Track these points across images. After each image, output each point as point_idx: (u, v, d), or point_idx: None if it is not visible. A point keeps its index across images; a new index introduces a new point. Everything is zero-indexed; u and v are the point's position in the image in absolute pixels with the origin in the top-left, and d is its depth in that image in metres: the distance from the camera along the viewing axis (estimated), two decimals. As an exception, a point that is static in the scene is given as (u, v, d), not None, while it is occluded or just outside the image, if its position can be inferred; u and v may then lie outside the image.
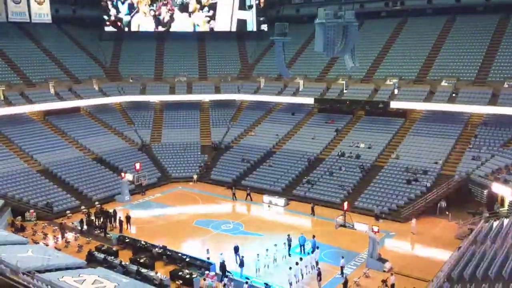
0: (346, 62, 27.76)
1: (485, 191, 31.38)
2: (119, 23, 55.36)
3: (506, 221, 26.08)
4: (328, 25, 24.76)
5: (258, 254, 24.48)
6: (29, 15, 47.99)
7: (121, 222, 30.76)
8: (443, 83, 42.13)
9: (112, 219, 31.52)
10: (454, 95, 40.21)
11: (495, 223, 26.31)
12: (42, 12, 48.97)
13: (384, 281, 22.14)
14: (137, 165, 39.30)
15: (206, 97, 52.31)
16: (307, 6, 55.05)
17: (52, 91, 46.19)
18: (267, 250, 25.15)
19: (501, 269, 19.33)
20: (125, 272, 22.91)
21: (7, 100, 42.38)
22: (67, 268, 20.31)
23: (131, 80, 52.53)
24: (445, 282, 19.77)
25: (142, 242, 27.28)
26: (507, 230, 24.13)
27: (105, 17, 54.75)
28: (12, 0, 46.64)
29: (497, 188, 29.89)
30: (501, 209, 29.85)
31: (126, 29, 55.82)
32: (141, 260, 24.80)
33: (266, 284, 22.23)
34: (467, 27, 47.09)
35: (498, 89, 38.80)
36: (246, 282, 21.80)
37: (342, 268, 23.91)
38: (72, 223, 31.45)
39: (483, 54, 43.19)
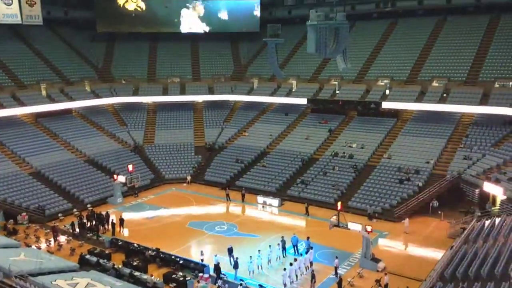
0: (338, 63, 27.96)
1: (477, 191, 31.68)
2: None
3: (497, 220, 26.37)
4: (320, 26, 24.95)
5: (251, 256, 24.46)
6: (21, 17, 47.59)
7: (113, 224, 30.62)
8: (434, 83, 42.45)
9: (104, 221, 31.39)
10: (445, 95, 40.51)
11: (487, 222, 26.59)
12: (34, 14, 48.48)
13: (377, 281, 22.28)
14: (130, 167, 39.13)
15: (200, 98, 52.28)
16: (299, 8, 55.13)
17: (43, 93, 45.89)
18: (259, 251, 25.11)
19: (493, 268, 19.54)
20: (118, 275, 22.82)
21: (-2, 102, 42.08)
22: (60, 272, 20.27)
23: (123, 82, 52.33)
24: (438, 281, 19.94)
25: (135, 244, 27.17)
26: (499, 229, 24.41)
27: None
28: (3, 2, 46.28)
29: (489, 187, 30.18)
30: (492, 208, 30.15)
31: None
32: (134, 263, 24.70)
33: (260, 285, 22.29)
34: (457, 27, 47.40)
35: (489, 89, 39.12)
36: (241, 284, 21.80)
37: (336, 268, 24.00)
38: (64, 226, 31.29)
39: (474, 54, 43.50)
